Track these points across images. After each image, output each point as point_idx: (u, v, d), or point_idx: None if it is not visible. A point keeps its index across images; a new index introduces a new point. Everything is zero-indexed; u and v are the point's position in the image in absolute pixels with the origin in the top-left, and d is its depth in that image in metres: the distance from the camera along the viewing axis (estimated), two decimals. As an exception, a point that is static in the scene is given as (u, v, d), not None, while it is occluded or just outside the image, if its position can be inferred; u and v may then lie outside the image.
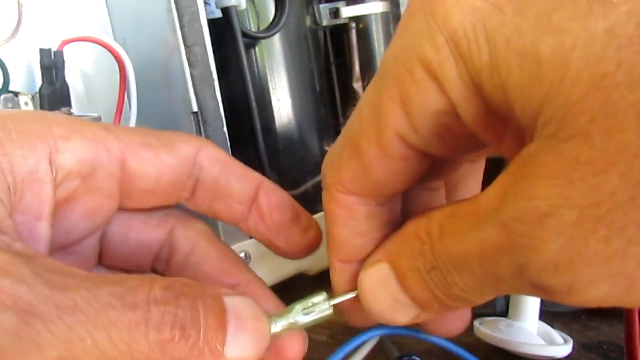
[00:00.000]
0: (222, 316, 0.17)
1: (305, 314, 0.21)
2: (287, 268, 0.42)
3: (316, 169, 0.47)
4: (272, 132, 0.44)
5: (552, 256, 0.14)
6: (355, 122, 0.19)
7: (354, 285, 0.22)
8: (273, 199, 0.24)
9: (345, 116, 0.55)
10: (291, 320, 0.21)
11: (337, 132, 0.55)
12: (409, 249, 0.19)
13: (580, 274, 0.14)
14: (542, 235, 0.14)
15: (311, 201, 0.47)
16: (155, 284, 0.17)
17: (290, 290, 0.46)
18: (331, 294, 0.22)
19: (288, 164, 0.45)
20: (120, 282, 0.17)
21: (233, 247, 0.38)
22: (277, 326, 0.21)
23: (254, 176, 0.24)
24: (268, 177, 0.43)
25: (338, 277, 0.22)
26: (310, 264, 0.43)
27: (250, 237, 0.39)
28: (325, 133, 0.49)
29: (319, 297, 0.22)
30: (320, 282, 0.46)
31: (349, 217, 0.20)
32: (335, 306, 0.22)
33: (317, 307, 0.21)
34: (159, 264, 0.25)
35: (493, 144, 0.17)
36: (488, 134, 0.17)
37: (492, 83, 0.15)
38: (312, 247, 0.24)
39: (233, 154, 0.38)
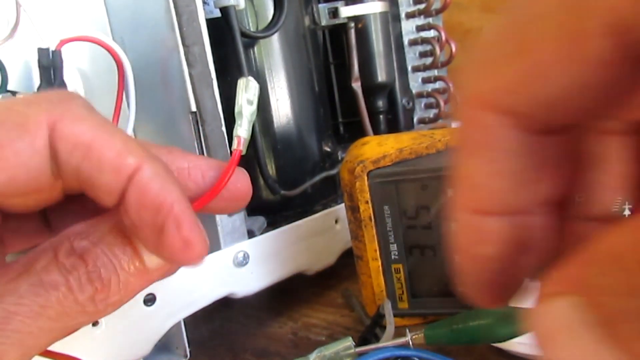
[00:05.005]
0: (130, 244, 0.18)
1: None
2: (286, 268, 0.42)
3: (315, 169, 0.47)
4: (271, 132, 0.44)
5: None
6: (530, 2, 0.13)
7: (483, 249, 0.15)
8: (146, 194, 0.18)
9: (345, 116, 0.55)
10: None
11: (336, 132, 0.54)
12: (617, 281, 0.11)
13: None
14: None
15: (310, 201, 0.47)
16: (58, 256, 0.18)
17: (290, 290, 0.46)
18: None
19: (287, 164, 0.45)
20: (30, 270, 0.18)
21: (232, 247, 0.38)
22: None
23: (127, 163, 0.18)
24: (266, 177, 0.43)
25: (463, 236, 0.15)
26: (309, 263, 0.43)
27: (250, 237, 0.39)
28: (324, 133, 0.49)
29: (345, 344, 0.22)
30: (319, 281, 0.46)
31: (493, 146, 0.14)
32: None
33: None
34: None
35: None
36: None
37: None
38: (190, 260, 0.19)
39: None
